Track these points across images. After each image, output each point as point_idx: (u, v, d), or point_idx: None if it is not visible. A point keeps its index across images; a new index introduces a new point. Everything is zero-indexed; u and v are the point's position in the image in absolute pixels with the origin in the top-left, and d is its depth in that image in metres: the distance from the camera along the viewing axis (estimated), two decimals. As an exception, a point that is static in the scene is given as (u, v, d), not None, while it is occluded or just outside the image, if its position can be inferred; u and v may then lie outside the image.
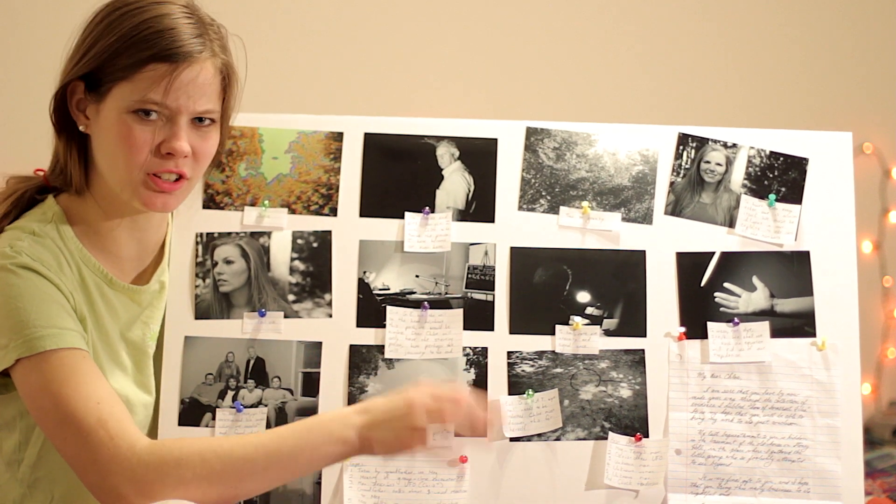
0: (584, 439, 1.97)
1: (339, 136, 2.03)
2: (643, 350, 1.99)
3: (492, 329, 1.99)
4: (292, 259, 2.00)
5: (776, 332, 2.00)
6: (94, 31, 1.79)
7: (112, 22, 1.77)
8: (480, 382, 1.97)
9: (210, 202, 2.00)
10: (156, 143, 1.77)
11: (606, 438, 1.96)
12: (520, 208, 2.02)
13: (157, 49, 1.75)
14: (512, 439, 1.96)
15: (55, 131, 1.85)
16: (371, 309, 1.99)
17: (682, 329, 2.00)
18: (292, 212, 2.01)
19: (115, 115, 1.77)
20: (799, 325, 2.01)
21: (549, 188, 2.03)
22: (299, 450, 1.70)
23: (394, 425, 1.73)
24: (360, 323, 1.99)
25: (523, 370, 1.98)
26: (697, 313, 2.01)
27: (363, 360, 1.97)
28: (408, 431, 1.72)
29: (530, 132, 2.05)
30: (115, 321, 1.87)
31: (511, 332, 1.99)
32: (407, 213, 2.01)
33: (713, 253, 2.02)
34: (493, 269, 2.01)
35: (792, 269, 2.02)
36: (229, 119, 1.89)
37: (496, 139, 2.04)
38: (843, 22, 3.68)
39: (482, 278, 2.01)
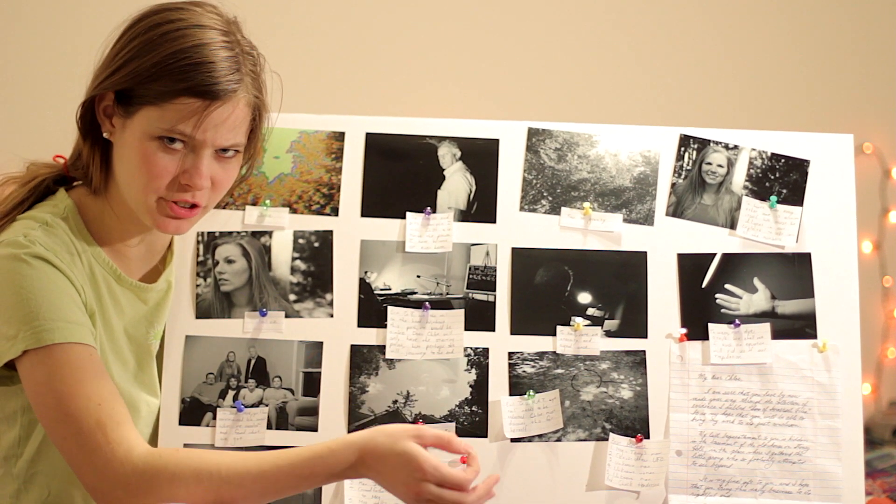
0: (585, 440, 1.97)
1: (340, 136, 2.03)
2: (644, 351, 1.99)
3: (493, 330, 1.99)
4: (293, 259, 2.00)
5: (777, 334, 2.00)
6: (130, 45, 1.75)
7: (151, 41, 1.74)
8: (481, 383, 1.97)
9: (211, 202, 2.00)
10: (177, 173, 1.76)
11: (607, 439, 1.96)
12: (521, 209, 2.02)
13: (192, 83, 1.72)
14: (513, 440, 1.96)
15: (80, 135, 1.83)
16: (372, 309, 1.99)
17: (683, 330, 2.00)
18: (293, 211, 2.01)
19: (140, 136, 1.75)
20: (800, 327, 2.00)
21: (551, 189, 2.03)
22: (297, 485, 1.71)
23: (399, 487, 1.70)
24: (361, 323, 1.99)
25: (524, 371, 1.98)
26: (698, 314, 2.00)
27: (364, 360, 1.97)
28: (413, 497, 1.70)
29: (532, 133, 2.04)
30: (120, 317, 1.87)
31: (512, 333, 1.99)
32: (408, 214, 2.01)
33: (714, 254, 2.02)
34: (495, 270, 2.01)
35: (793, 271, 2.02)
36: (255, 151, 1.88)
37: (498, 140, 2.04)
38: (843, 22, 3.68)
39: (483, 279, 2.00)
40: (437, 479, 1.68)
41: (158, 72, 1.73)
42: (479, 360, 1.98)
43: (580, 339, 1.99)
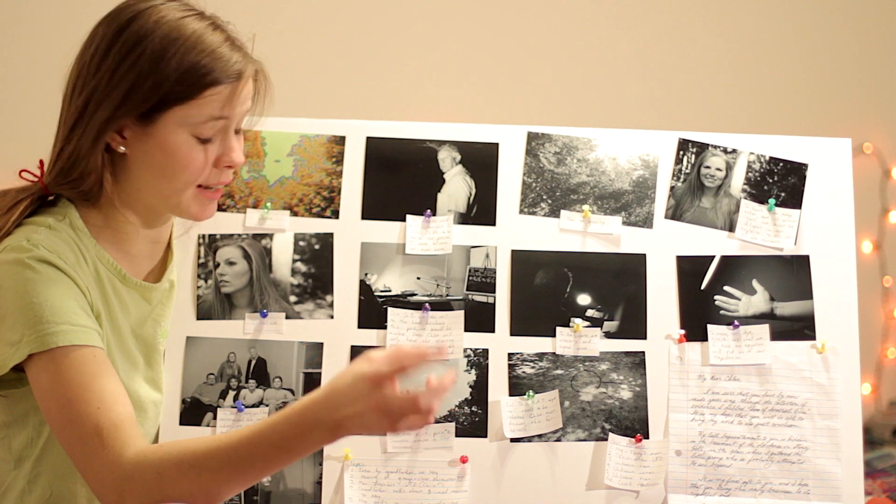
0: (585, 440, 1.98)
1: (341, 140, 2.04)
2: (643, 352, 2.00)
3: (493, 331, 2.00)
4: (294, 261, 2.01)
5: (776, 335, 2.00)
6: (127, 63, 1.74)
7: (155, 52, 1.74)
8: (481, 384, 1.98)
9: (213, 204, 2.01)
10: (211, 159, 1.80)
11: (607, 439, 1.97)
12: (521, 212, 2.03)
13: (215, 74, 1.75)
14: (512, 440, 1.97)
15: (89, 157, 1.79)
16: (372, 310, 2.00)
17: (683, 331, 2.00)
18: (294, 214, 2.02)
19: (174, 135, 1.77)
20: (799, 328, 2.01)
21: (550, 192, 2.04)
22: (275, 456, 1.65)
23: (367, 416, 1.63)
24: (362, 324, 2.00)
25: (524, 371, 1.99)
26: (698, 316, 2.01)
27: (364, 362, 1.98)
28: (385, 422, 1.64)
29: (531, 137, 2.05)
30: (127, 317, 1.87)
31: (512, 334, 2.00)
32: (409, 216, 2.02)
33: (713, 256, 2.03)
34: (494, 272, 2.01)
35: (792, 273, 2.02)
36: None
37: (497, 143, 2.05)
38: (843, 21, 3.68)
39: (483, 280, 2.01)
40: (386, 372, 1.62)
41: (180, 76, 1.74)
42: (478, 360, 1.99)
43: (579, 340, 2.00)
